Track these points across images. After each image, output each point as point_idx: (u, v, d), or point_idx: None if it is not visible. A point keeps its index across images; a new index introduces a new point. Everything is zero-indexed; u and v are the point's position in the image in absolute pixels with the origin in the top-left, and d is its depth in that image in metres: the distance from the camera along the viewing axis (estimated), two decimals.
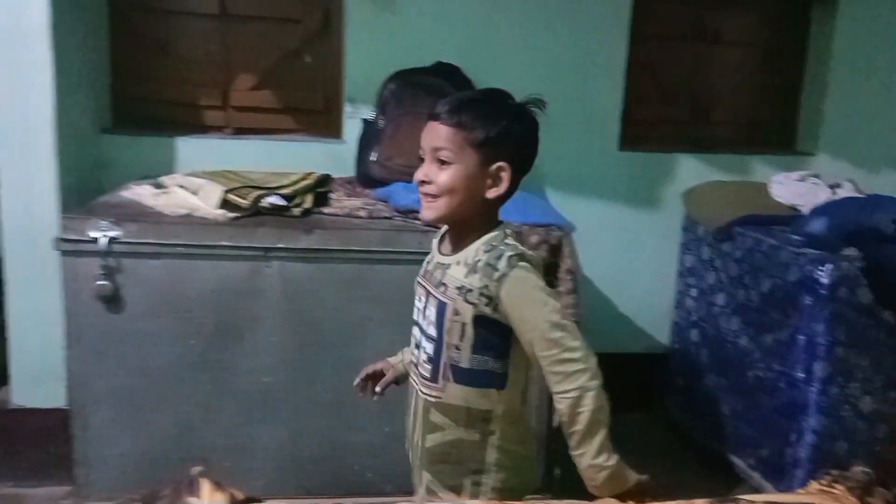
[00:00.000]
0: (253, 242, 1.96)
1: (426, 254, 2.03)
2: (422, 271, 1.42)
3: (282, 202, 2.12)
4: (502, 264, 1.25)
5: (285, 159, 2.51)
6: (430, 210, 1.32)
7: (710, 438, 2.54)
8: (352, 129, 2.59)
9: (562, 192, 2.65)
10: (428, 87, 2.42)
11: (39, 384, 2.24)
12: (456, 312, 1.29)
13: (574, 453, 1.23)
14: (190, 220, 1.98)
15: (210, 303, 1.96)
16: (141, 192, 2.14)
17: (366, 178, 2.41)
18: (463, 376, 1.31)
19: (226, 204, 2.04)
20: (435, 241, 1.44)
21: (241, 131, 2.67)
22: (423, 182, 1.31)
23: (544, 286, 1.27)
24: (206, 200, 2.05)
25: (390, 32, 2.58)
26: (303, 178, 2.26)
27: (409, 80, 2.47)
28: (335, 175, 2.45)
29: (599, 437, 1.21)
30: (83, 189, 2.26)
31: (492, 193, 1.29)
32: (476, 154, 1.27)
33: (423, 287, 1.39)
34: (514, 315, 1.25)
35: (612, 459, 1.21)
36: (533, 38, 2.66)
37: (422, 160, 1.33)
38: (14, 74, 2.08)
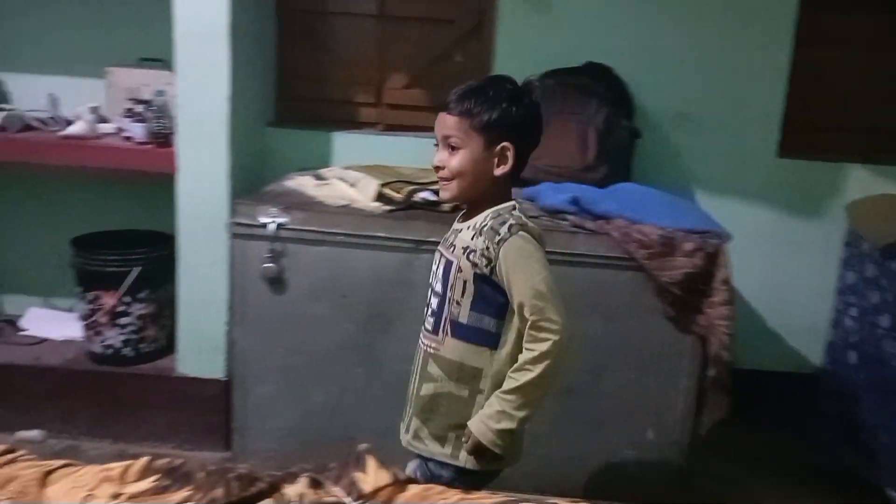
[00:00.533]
0: (406, 234, 2.03)
1: (573, 255, 2.04)
2: (441, 240, 1.54)
3: (433, 197, 2.19)
4: (504, 230, 1.38)
5: (433, 156, 2.57)
6: (446, 191, 1.46)
7: (862, 466, 2.37)
8: None
9: (714, 198, 2.57)
10: (578, 88, 2.41)
11: (202, 355, 2.42)
12: (459, 270, 1.42)
13: (498, 393, 1.38)
14: (349, 211, 2.07)
15: (364, 290, 2.04)
16: (303, 183, 2.27)
17: None
18: (460, 331, 1.43)
19: (381, 197, 2.13)
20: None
21: (392, 128, 2.77)
22: (437, 168, 1.45)
23: (540, 257, 1.39)
24: (363, 193, 2.15)
25: (542, 33, 2.59)
26: None
27: (558, 80, 2.47)
28: None
29: (526, 398, 1.36)
30: (249, 178, 2.43)
31: (499, 171, 1.41)
32: (481, 137, 1.40)
33: (439, 252, 1.52)
34: (507, 277, 1.37)
35: (514, 423, 1.36)
36: (688, 38, 2.59)
37: (437, 147, 1.46)
38: (196, 73, 2.25)
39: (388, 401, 2.09)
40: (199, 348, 2.42)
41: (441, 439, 1.48)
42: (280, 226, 2.02)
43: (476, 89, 1.44)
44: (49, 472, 1.28)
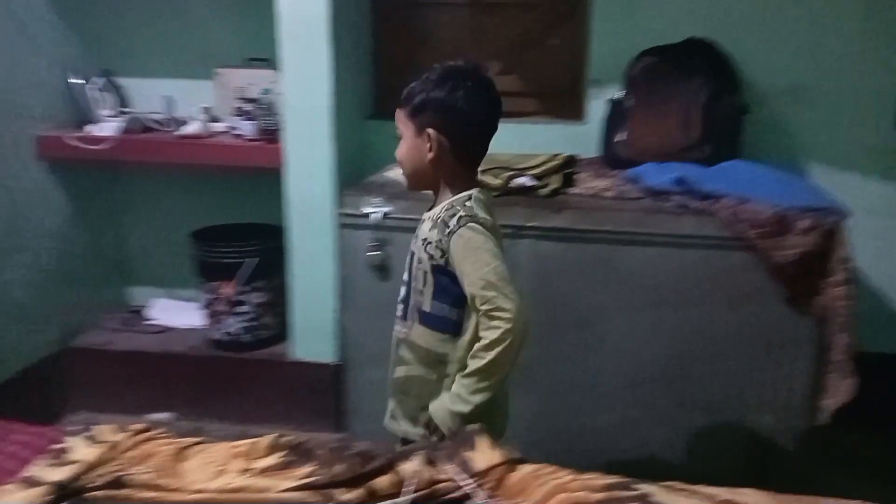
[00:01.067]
0: (506, 220, 2.03)
1: (679, 236, 1.99)
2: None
3: (532, 182, 2.19)
4: (453, 222, 1.39)
5: (530, 141, 2.57)
6: (403, 179, 1.52)
7: None
8: (595, 110, 2.58)
9: (831, 173, 2.44)
10: (680, 64, 2.34)
11: (314, 341, 2.53)
12: (419, 261, 1.46)
13: (458, 377, 1.40)
14: None
15: None
16: None
17: (612, 159, 2.40)
18: (425, 319, 1.47)
19: None
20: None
21: None
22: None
23: (490, 247, 1.37)
24: None
25: (640, 10, 2.53)
26: (550, 160, 2.31)
27: (659, 57, 2.41)
28: (580, 156, 2.46)
29: (479, 383, 1.36)
30: (351, 170, 2.51)
31: (429, 157, 1.41)
32: (412, 124, 1.42)
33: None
34: (458, 268, 1.38)
35: (467, 407, 1.37)
36: (798, 7, 2.45)
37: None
38: (300, 70, 2.34)
39: None
40: (311, 334, 2.53)
41: (414, 420, 1.52)
42: (384, 215, 2.08)
43: (415, 79, 1.44)
44: (183, 449, 1.39)
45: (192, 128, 2.59)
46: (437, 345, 1.48)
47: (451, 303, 1.45)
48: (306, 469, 1.29)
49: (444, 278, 1.43)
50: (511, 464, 1.27)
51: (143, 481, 1.21)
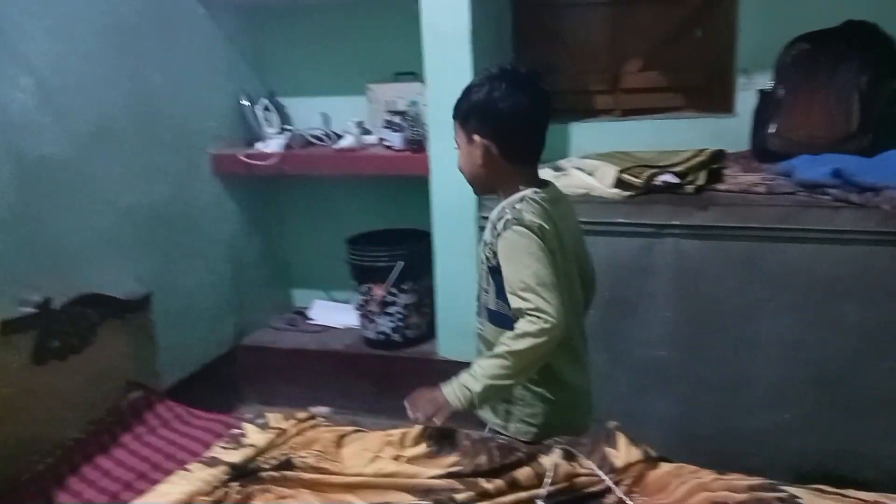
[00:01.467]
0: (647, 219, 2.03)
1: (838, 231, 1.88)
2: None
3: (675, 180, 2.15)
4: (500, 225, 1.42)
5: (673, 137, 2.52)
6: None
7: None
8: (744, 101, 2.48)
9: None
10: (836, 50, 2.20)
11: (458, 340, 2.63)
12: (482, 262, 1.50)
13: (482, 358, 1.42)
14: (588, 199, 2.12)
15: (606, 275, 2.06)
16: (543, 175, 2.36)
17: (763, 152, 2.29)
18: (491, 316, 1.50)
19: (620, 183, 2.14)
20: None
21: (628, 112, 2.76)
22: None
23: (533, 251, 1.36)
24: (601, 180, 2.18)
25: None
26: (695, 156, 2.25)
27: (813, 43, 2.27)
28: (728, 150, 2.38)
29: (500, 369, 1.36)
30: None
31: (479, 162, 1.45)
32: (463, 134, 1.47)
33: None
34: (502, 268, 1.39)
35: (479, 387, 1.37)
36: None
37: None
38: (443, 80, 2.44)
39: (633, 385, 2.11)
40: (456, 333, 2.63)
41: (495, 410, 1.55)
42: None
43: (466, 89, 1.49)
44: (342, 436, 1.52)
45: (346, 141, 2.78)
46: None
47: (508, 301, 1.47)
48: (452, 458, 1.37)
49: (499, 277, 1.44)
50: (650, 462, 1.28)
51: (309, 464, 1.35)
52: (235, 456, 1.41)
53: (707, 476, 1.23)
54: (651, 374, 2.09)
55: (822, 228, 1.86)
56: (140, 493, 1.34)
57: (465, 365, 2.53)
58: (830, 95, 2.11)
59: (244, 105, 2.95)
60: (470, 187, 1.57)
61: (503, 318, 1.49)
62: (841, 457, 1.96)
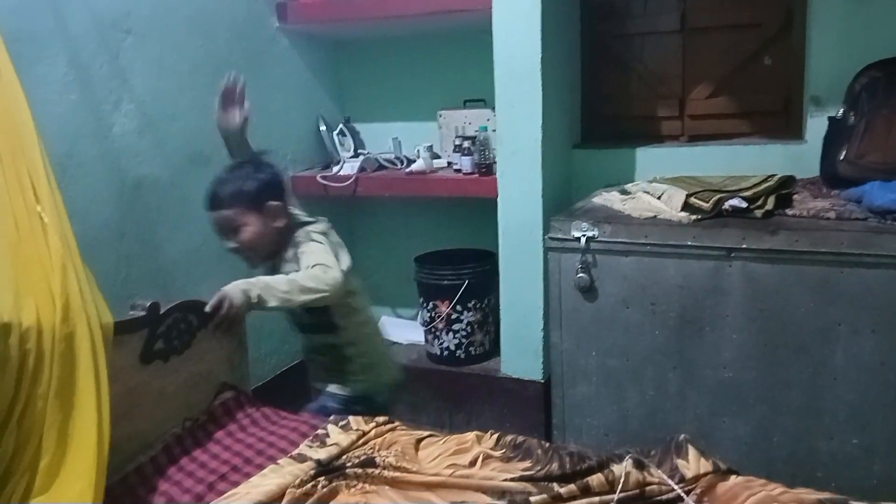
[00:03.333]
0: (716, 242, 2.06)
1: None
2: None
3: (743, 204, 2.17)
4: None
5: (742, 163, 2.55)
6: (255, 262, 1.98)
7: None
8: (814, 128, 2.49)
9: None
10: None
11: (522, 358, 2.69)
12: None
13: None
14: (656, 222, 2.16)
15: (674, 297, 2.11)
16: (610, 198, 2.42)
17: (833, 178, 2.30)
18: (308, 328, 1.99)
19: (688, 207, 2.18)
20: None
21: (695, 138, 2.80)
22: (236, 250, 1.91)
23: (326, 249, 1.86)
24: (669, 204, 2.23)
25: (861, 23, 2.41)
26: (764, 181, 2.27)
27: (885, 70, 2.28)
28: (797, 176, 2.39)
29: (281, 284, 1.71)
30: (558, 197, 2.66)
31: (279, 223, 1.90)
32: (251, 210, 1.87)
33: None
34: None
35: (256, 292, 1.68)
36: None
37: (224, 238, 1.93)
38: (513, 107, 2.54)
39: (706, 406, 2.13)
40: (520, 352, 2.70)
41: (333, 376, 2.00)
42: (590, 239, 2.20)
43: (220, 183, 1.90)
44: (420, 440, 1.60)
45: (417, 165, 2.90)
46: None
47: None
48: (525, 464, 1.44)
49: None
50: (720, 474, 1.32)
51: (390, 463, 1.43)
52: (321, 453, 1.51)
53: (776, 489, 1.26)
54: (724, 396, 2.09)
55: (891, 254, 1.86)
56: (235, 483, 1.45)
57: (530, 384, 2.64)
58: None
59: (322, 130, 3.12)
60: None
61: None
62: None
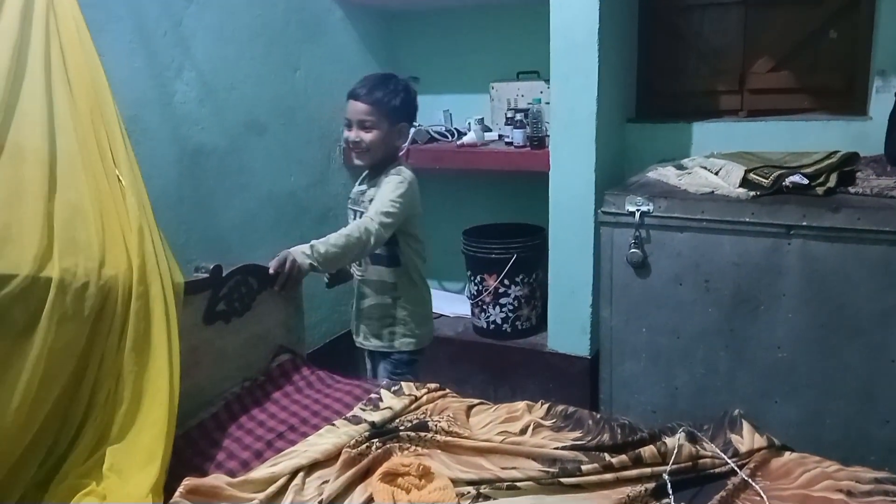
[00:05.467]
0: (775, 220, 2.02)
1: None
2: (350, 199, 2.15)
3: (803, 181, 2.12)
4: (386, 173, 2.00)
5: (803, 139, 2.48)
6: (361, 160, 2.04)
7: None
8: (879, 104, 2.41)
9: None
10: None
11: (569, 334, 2.69)
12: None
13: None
14: (713, 198, 2.13)
15: (729, 275, 2.08)
16: (665, 173, 2.39)
17: None
18: (375, 258, 2.05)
19: (746, 182, 2.14)
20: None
21: (754, 113, 2.73)
22: (355, 142, 1.99)
23: (403, 192, 1.97)
24: (727, 179, 2.19)
25: None
26: (826, 158, 2.22)
27: None
28: (861, 154, 2.32)
29: (339, 239, 1.81)
30: (611, 172, 2.63)
31: (399, 143, 2.09)
32: (388, 119, 1.97)
33: (352, 210, 2.12)
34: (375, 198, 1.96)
35: (322, 249, 1.78)
36: None
37: (349, 128, 2.01)
38: (568, 80, 2.51)
39: (757, 386, 2.10)
40: (567, 327, 2.69)
41: (378, 336, 2.10)
42: (644, 214, 2.17)
43: (380, 83, 1.98)
44: (470, 407, 1.63)
45: (469, 138, 2.90)
46: (388, 276, 2.05)
47: (390, 242, 1.99)
48: (576, 434, 1.45)
49: None
50: (774, 450, 1.31)
51: (442, 427, 1.46)
52: (375, 416, 1.54)
53: (832, 466, 1.25)
54: (776, 377, 2.07)
55: None
56: (292, 442, 1.50)
57: (576, 360, 2.64)
58: None
59: None
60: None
61: (379, 258, 2.04)
62: None
